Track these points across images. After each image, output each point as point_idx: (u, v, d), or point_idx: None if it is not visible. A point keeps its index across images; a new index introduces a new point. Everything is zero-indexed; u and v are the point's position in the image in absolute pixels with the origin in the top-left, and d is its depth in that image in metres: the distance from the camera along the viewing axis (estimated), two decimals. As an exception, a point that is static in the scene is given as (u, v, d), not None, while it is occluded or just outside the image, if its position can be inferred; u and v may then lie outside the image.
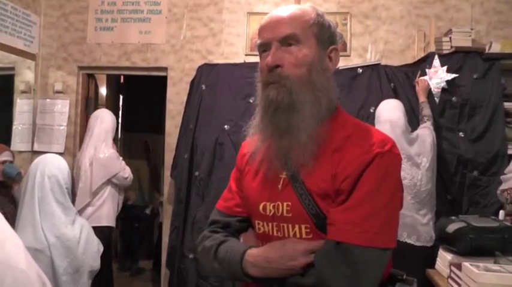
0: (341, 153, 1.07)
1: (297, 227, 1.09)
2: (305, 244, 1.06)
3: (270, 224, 1.14)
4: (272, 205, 1.13)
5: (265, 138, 1.16)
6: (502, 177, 2.77)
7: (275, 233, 1.14)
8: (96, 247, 2.31)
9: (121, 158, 3.47)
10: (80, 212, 3.12)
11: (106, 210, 3.26)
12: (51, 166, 2.19)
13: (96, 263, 2.28)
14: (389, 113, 2.85)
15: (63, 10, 4.03)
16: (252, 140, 1.24)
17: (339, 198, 1.04)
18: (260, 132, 1.17)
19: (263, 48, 1.15)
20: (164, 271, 3.71)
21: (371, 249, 0.99)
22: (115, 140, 3.71)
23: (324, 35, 1.14)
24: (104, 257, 2.48)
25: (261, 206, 1.16)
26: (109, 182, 3.30)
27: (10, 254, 0.79)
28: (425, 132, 2.91)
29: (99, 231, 2.64)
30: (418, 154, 2.78)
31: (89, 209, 3.21)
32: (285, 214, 1.10)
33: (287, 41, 1.11)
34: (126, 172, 3.37)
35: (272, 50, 1.11)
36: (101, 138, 3.37)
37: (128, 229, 5.37)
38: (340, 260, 0.99)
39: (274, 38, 1.11)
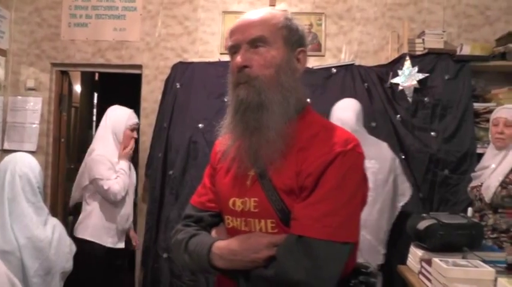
0: (306, 152, 1.11)
1: (263, 222, 1.13)
2: (268, 237, 1.10)
3: (238, 219, 1.19)
4: (241, 200, 1.17)
5: (236, 137, 1.19)
6: (472, 174, 2.83)
7: (243, 228, 1.18)
8: (68, 247, 2.26)
9: (122, 167, 2.96)
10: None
11: (92, 221, 2.89)
12: (22, 165, 2.14)
13: (68, 264, 2.23)
14: (340, 112, 2.81)
15: (36, 5, 3.95)
16: (225, 139, 1.27)
17: (303, 194, 1.08)
18: (231, 132, 1.21)
19: (233, 50, 1.19)
20: (139, 271, 3.68)
21: (331, 243, 1.03)
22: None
23: (292, 38, 1.19)
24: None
25: (230, 202, 1.20)
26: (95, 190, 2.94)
27: None
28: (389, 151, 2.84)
29: (81, 245, 2.53)
30: (369, 156, 2.71)
31: (81, 215, 2.97)
32: (252, 209, 1.15)
33: (255, 43, 1.15)
34: (108, 184, 2.83)
35: (241, 51, 1.16)
36: (99, 138, 3.04)
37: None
38: (301, 254, 1.02)
39: (243, 40, 1.16)
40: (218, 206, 1.28)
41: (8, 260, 1.92)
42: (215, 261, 1.12)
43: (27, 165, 2.16)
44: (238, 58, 1.15)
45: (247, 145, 1.15)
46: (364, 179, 1.16)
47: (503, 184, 2.52)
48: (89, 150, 3.03)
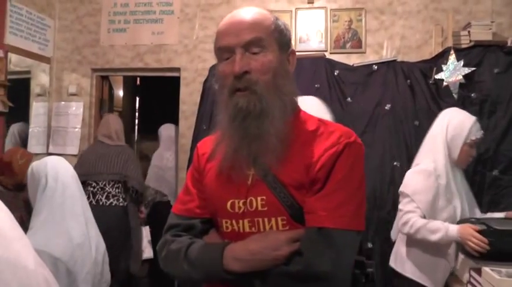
0: (311, 146, 1.11)
1: (273, 220, 1.10)
2: (286, 233, 1.07)
3: (240, 221, 1.13)
4: (242, 201, 1.12)
5: (232, 144, 1.13)
6: None
7: (248, 230, 1.12)
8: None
9: None
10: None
11: None
12: (69, 167, 2.14)
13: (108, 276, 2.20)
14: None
15: (77, 13, 4.05)
16: (209, 140, 1.26)
17: (315, 187, 1.07)
18: (228, 139, 1.14)
19: (226, 54, 1.13)
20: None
21: (349, 232, 1.05)
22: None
23: (283, 40, 1.16)
24: None
25: (228, 204, 1.14)
26: None
27: (19, 254, 0.77)
28: None
29: None
30: None
31: None
32: (259, 208, 1.10)
33: (251, 46, 1.10)
34: None
35: (238, 56, 1.09)
36: None
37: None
38: (324, 245, 1.02)
39: (238, 44, 1.09)
40: (207, 211, 1.21)
41: (56, 267, 1.89)
42: (230, 264, 1.05)
43: (70, 167, 2.16)
44: (236, 65, 1.08)
45: (247, 152, 1.10)
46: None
47: None
48: None
